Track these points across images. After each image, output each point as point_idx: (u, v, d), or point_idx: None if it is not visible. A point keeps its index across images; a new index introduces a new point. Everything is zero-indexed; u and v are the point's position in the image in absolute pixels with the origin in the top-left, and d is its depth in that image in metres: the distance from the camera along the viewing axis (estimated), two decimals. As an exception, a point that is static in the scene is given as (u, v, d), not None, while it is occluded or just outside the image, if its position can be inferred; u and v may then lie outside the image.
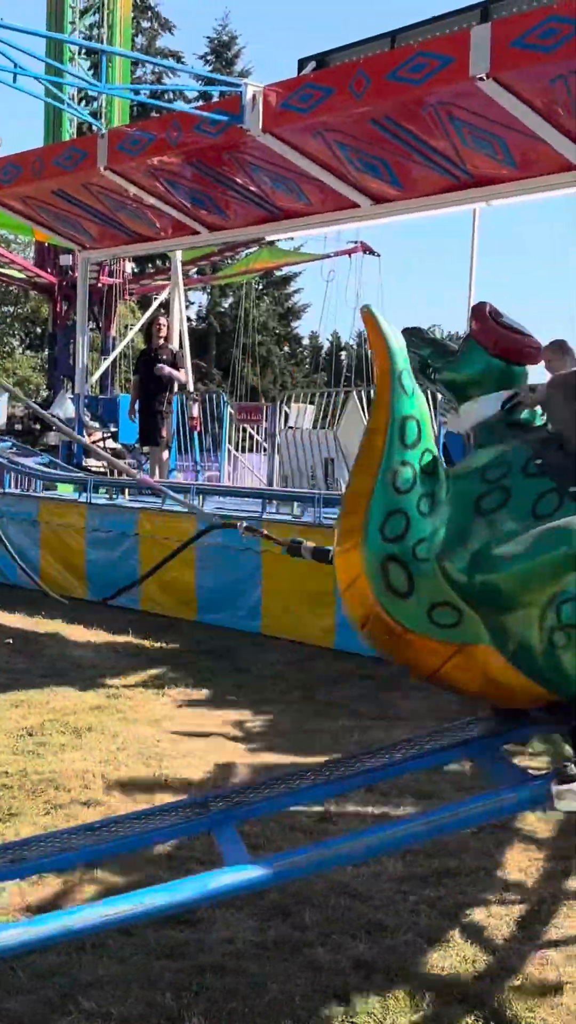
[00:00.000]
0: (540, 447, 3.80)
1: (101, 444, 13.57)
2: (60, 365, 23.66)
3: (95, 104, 27.06)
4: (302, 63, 11.93)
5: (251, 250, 23.99)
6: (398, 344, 3.44)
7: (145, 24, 45.44)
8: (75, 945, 3.56)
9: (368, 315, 3.32)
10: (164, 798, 4.90)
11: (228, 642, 8.45)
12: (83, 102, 30.70)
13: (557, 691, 2.89)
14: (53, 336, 24.33)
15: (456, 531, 3.29)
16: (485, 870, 4.23)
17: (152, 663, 7.67)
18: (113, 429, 15.23)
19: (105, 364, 17.78)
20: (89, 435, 13.29)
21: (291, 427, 13.94)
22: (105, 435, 13.54)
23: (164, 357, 12.27)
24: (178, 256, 12.96)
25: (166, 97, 33.09)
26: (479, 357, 8.09)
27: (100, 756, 5.50)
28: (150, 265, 32.83)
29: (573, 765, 2.75)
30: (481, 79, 7.53)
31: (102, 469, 13.23)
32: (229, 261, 27.99)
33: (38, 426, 23.84)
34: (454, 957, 3.54)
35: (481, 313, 8.82)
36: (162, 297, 15.57)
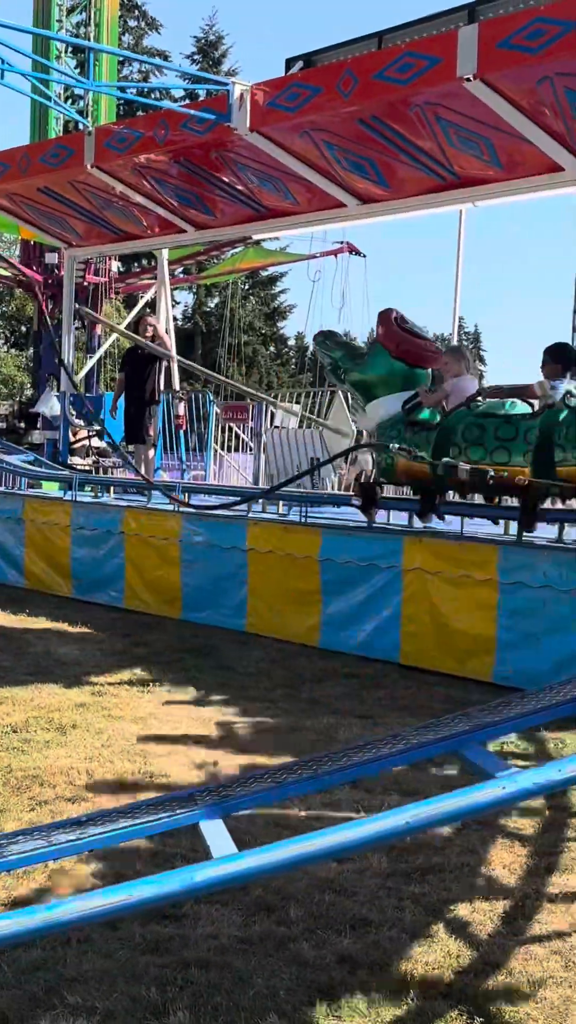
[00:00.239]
0: None
1: (86, 442, 13.56)
2: (45, 363, 23.60)
3: (81, 103, 27.03)
4: (289, 63, 11.96)
5: (237, 250, 24.01)
6: None
7: (132, 23, 45.45)
8: (60, 940, 3.56)
9: None
10: (149, 794, 4.90)
11: (213, 640, 8.46)
12: (69, 101, 30.68)
13: None
14: (38, 334, 24.27)
15: None
16: (469, 866, 4.24)
17: (137, 661, 7.67)
18: (98, 427, 15.21)
19: (91, 362, 17.75)
20: (74, 433, 13.27)
21: (277, 426, 13.98)
22: (90, 433, 13.52)
23: (150, 355, 12.27)
24: (164, 255, 12.95)
25: (153, 96, 33.02)
26: (383, 360, 8.43)
27: (85, 753, 5.50)
28: (135, 264, 32.80)
29: None
30: (468, 80, 7.54)
31: (87, 467, 13.22)
32: (214, 261, 27.99)
33: (23, 424, 23.82)
34: (438, 952, 3.55)
35: (386, 319, 9.54)
36: (148, 296, 15.54)
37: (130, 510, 9.87)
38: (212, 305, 47.64)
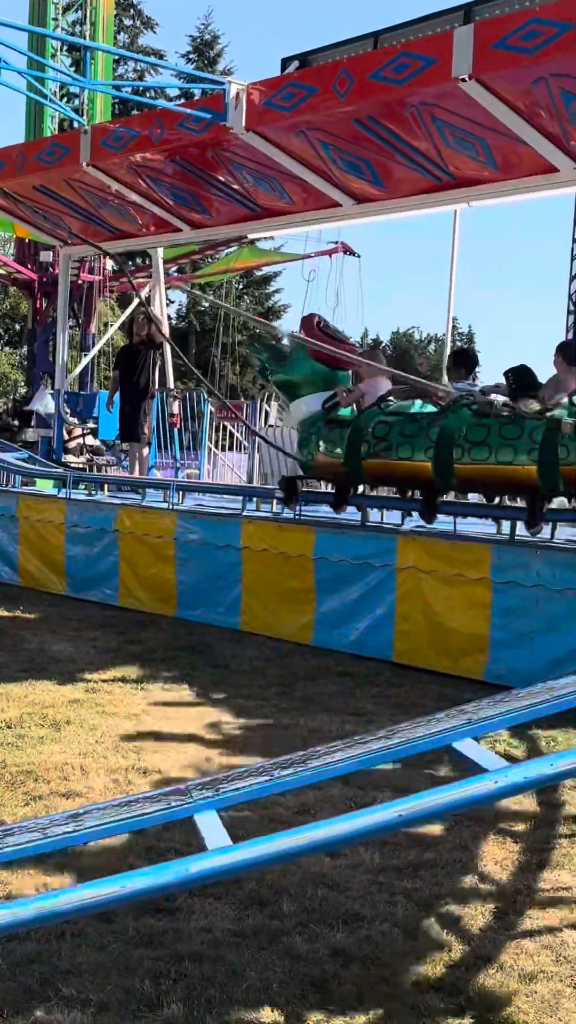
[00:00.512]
0: None
1: (80, 440, 13.59)
2: (39, 361, 23.63)
3: (76, 101, 27.04)
4: (285, 62, 12.00)
5: (231, 249, 24.02)
6: None
7: (127, 22, 45.42)
8: (54, 932, 3.58)
9: None
10: (143, 789, 4.93)
11: (207, 638, 8.48)
12: (65, 99, 30.66)
13: None
14: (32, 332, 24.28)
15: None
16: (461, 862, 4.27)
17: (131, 658, 7.68)
18: (92, 425, 15.23)
19: (85, 360, 17.76)
20: (69, 430, 13.29)
21: (271, 425, 14.01)
22: (84, 431, 13.54)
23: (144, 352, 12.29)
24: (159, 253, 12.96)
25: (149, 94, 33.00)
26: (305, 362, 8.90)
27: (79, 748, 5.52)
28: (130, 263, 32.80)
29: None
30: (463, 80, 7.57)
31: (81, 465, 13.25)
32: (209, 260, 28.00)
33: (16, 422, 23.83)
34: (430, 947, 3.58)
35: (308, 324, 10.16)
36: (143, 293, 15.56)
37: (124, 508, 9.88)
38: (206, 304, 47.63)
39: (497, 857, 4.32)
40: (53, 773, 5.11)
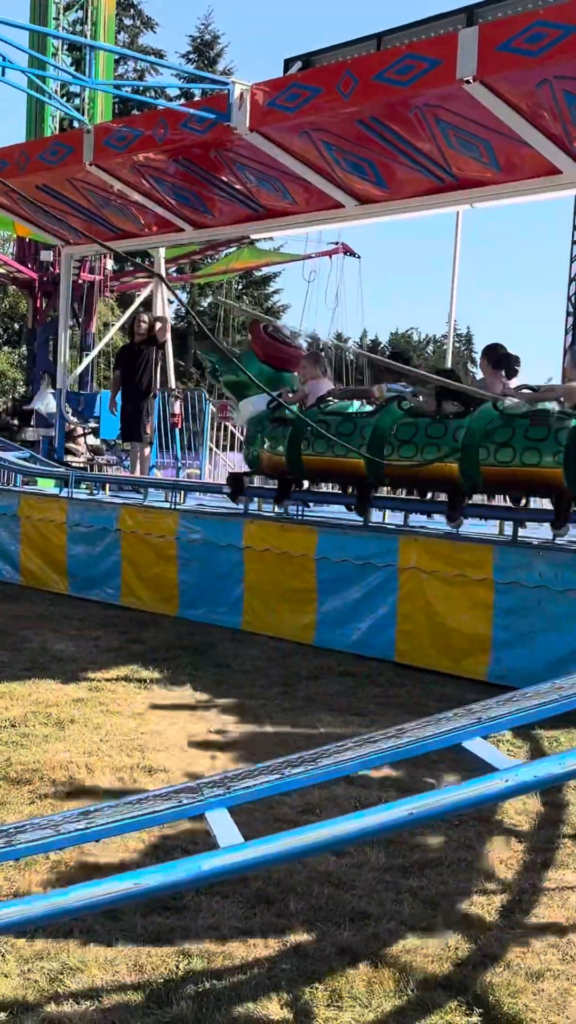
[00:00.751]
0: None
1: (83, 438, 13.61)
2: (39, 361, 23.64)
3: (77, 100, 27.06)
4: (288, 63, 12.01)
5: (231, 249, 24.06)
6: None
7: (127, 22, 45.42)
8: (62, 929, 3.60)
9: None
10: (148, 787, 4.94)
11: (209, 638, 8.49)
12: (65, 98, 30.67)
13: None
14: (32, 332, 24.29)
15: None
16: (466, 861, 4.29)
17: (133, 658, 7.69)
18: (93, 425, 15.26)
19: (87, 360, 17.77)
20: (70, 430, 13.30)
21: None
22: (85, 430, 13.55)
23: (145, 352, 12.30)
24: (161, 253, 12.97)
25: (150, 94, 32.97)
26: (252, 364, 9.25)
27: (84, 747, 5.53)
28: (128, 263, 32.82)
29: None
30: (467, 82, 7.59)
31: (82, 464, 13.26)
32: (208, 260, 28.02)
33: (16, 421, 23.83)
34: (436, 945, 3.59)
35: (255, 328, 9.83)
36: (144, 294, 15.58)
37: (126, 508, 9.90)
38: (205, 304, 47.63)
39: (502, 856, 4.33)
40: (58, 771, 5.13)
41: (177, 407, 13.57)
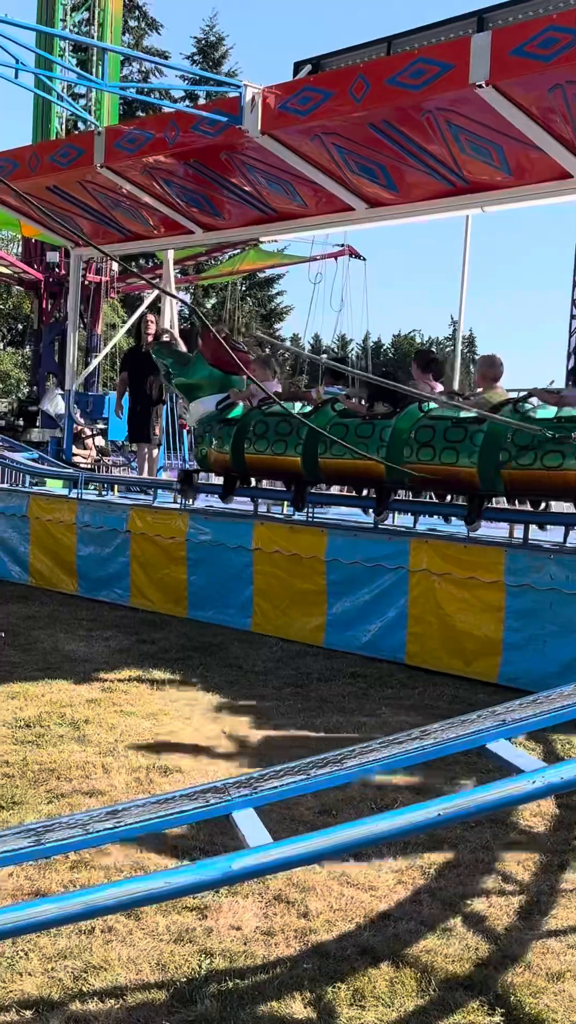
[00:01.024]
0: None
1: (90, 440, 13.63)
2: (45, 361, 23.64)
3: (83, 101, 27.09)
4: (298, 66, 12.01)
5: (236, 251, 24.07)
6: None
7: (132, 23, 45.47)
8: (84, 928, 3.63)
9: None
10: (165, 788, 4.97)
11: (218, 639, 8.51)
12: (70, 99, 30.67)
13: None
14: (38, 333, 24.28)
15: None
16: (483, 863, 4.31)
17: (144, 658, 7.72)
18: (101, 426, 15.27)
19: (95, 362, 17.78)
20: (78, 431, 13.33)
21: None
22: (94, 431, 13.57)
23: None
24: (170, 255, 12.98)
25: (154, 95, 33.00)
26: (203, 367, 9.86)
27: (99, 748, 5.56)
28: (132, 264, 32.82)
29: None
30: (480, 86, 7.61)
31: (89, 465, 13.28)
32: (213, 262, 28.04)
33: (21, 422, 23.85)
34: (457, 945, 3.62)
35: (205, 334, 10.11)
36: (151, 297, 15.60)
37: (136, 509, 9.91)
38: (209, 305, 47.69)
39: (519, 858, 4.36)
40: (75, 771, 5.15)
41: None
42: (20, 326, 43.35)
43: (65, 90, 24.85)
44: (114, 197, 11.15)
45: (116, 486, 11.62)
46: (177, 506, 9.93)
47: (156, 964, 3.45)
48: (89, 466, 13.13)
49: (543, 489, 7.52)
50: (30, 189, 11.39)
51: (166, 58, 42.95)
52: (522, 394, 7.86)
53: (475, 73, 7.62)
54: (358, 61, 10.82)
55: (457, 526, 8.68)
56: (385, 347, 71.47)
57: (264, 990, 3.31)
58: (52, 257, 23.13)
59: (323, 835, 2.64)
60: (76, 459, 13.09)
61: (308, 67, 11.63)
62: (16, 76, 8.59)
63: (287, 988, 3.32)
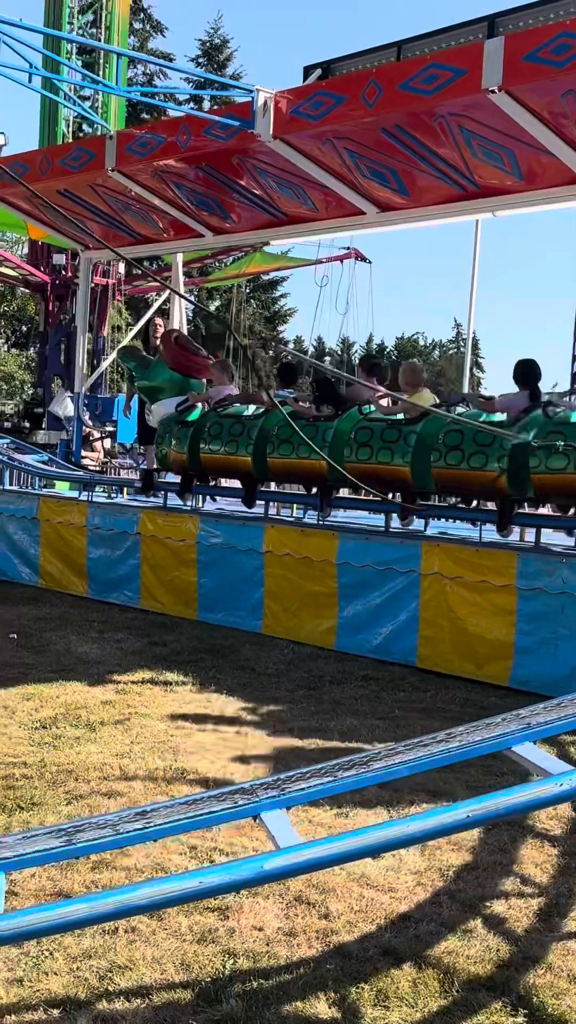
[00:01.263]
0: None
1: (99, 443, 13.65)
2: (51, 364, 23.72)
3: (89, 104, 27.14)
4: (307, 70, 12.03)
5: (241, 254, 24.13)
6: None
7: (137, 25, 45.51)
8: (108, 928, 3.65)
9: None
10: (183, 789, 5.00)
11: (229, 641, 8.54)
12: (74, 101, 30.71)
13: None
14: (44, 335, 24.36)
15: None
16: (501, 865, 4.33)
17: (157, 660, 7.75)
18: (110, 428, 15.30)
19: (105, 364, 17.80)
20: (86, 433, 13.36)
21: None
22: (103, 433, 13.60)
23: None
24: (179, 258, 13.02)
25: (160, 97, 33.04)
26: (163, 371, 10.41)
27: (115, 749, 5.59)
28: (141, 267, 32.81)
29: None
30: (493, 92, 7.64)
31: (97, 468, 13.31)
32: (218, 264, 28.10)
33: (27, 424, 23.90)
34: (478, 946, 3.64)
35: (166, 339, 10.79)
36: (160, 301, 15.64)
37: (146, 511, 9.95)
38: (213, 308, 47.74)
39: (536, 860, 4.38)
40: (93, 773, 5.18)
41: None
42: (24, 328, 43.38)
43: (74, 91, 24.94)
44: (124, 200, 11.18)
45: (125, 488, 11.63)
46: (188, 509, 9.96)
47: (180, 964, 3.47)
48: (97, 468, 13.15)
49: (469, 487, 7.98)
50: (41, 192, 11.43)
51: (171, 60, 42.99)
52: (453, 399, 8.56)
53: (488, 78, 7.66)
54: (368, 65, 10.83)
55: (467, 529, 8.72)
56: (388, 349, 71.48)
57: (288, 990, 3.34)
58: (58, 259, 23.23)
59: (354, 836, 2.67)
60: (84, 461, 13.12)
61: (318, 71, 11.66)
62: (30, 80, 8.63)
63: (311, 988, 3.34)
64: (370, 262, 23.51)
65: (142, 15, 45.85)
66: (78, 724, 6.01)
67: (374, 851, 2.66)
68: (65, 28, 23.25)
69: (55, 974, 3.39)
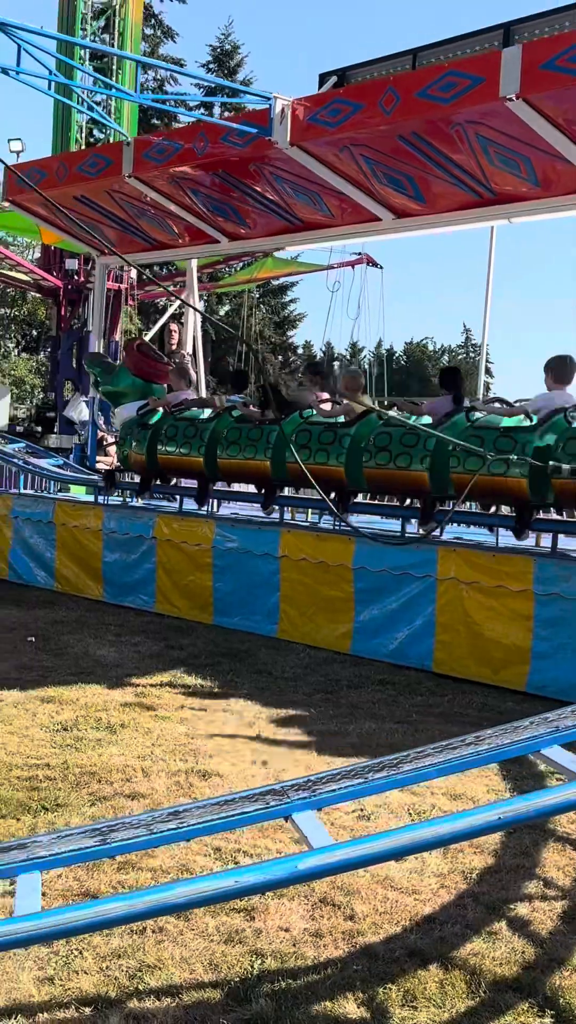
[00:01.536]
0: None
1: (112, 448, 13.68)
2: (63, 368, 23.77)
3: (100, 108, 27.20)
4: (323, 77, 12.08)
5: (251, 259, 24.19)
6: None
7: (148, 31, 45.65)
8: (136, 928, 3.69)
9: None
10: (205, 791, 5.04)
11: (245, 645, 8.58)
12: (87, 106, 30.81)
13: None
14: (56, 339, 24.43)
15: None
16: (524, 868, 4.36)
17: (174, 664, 7.79)
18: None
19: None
20: (100, 438, 13.40)
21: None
22: (117, 439, 13.62)
23: (175, 361, 12.43)
24: (194, 264, 13.08)
25: (170, 103, 33.10)
26: (126, 376, 10.94)
27: (137, 751, 5.63)
28: (148, 271, 32.93)
29: None
30: (511, 99, 7.68)
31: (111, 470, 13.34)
32: (227, 270, 28.16)
33: (39, 428, 23.97)
34: (503, 948, 3.67)
35: (129, 347, 11.36)
36: (176, 304, 15.70)
37: (162, 516, 10.00)
38: (222, 313, 47.81)
39: (559, 863, 4.41)
40: (115, 775, 5.22)
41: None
42: (35, 332, 43.51)
43: (88, 96, 25.02)
44: (140, 206, 11.23)
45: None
46: (204, 513, 10.01)
47: (209, 964, 3.51)
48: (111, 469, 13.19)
49: (396, 486, 8.65)
50: (57, 198, 11.49)
51: (182, 66, 43.12)
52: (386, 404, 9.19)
53: (506, 86, 7.69)
54: (383, 73, 10.88)
55: (483, 535, 8.75)
56: (397, 354, 71.46)
57: (317, 990, 3.37)
58: (71, 264, 23.28)
59: (386, 837, 2.71)
60: (99, 465, 13.16)
61: (333, 79, 11.71)
62: (50, 87, 8.70)
63: (339, 988, 3.38)
64: (381, 267, 23.54)
65: (153, 21, 45.99)
66: (99, 726, 6.06)
67: (406, 852, 2.70)
68: (78, 34, 23.34)
69: (85, 973, 3.43)
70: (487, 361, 66.77)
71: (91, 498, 11.47)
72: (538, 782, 5.41)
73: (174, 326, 13.21)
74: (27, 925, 2.57)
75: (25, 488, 12.89)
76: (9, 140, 20.30)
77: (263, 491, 9.71)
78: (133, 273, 22.95)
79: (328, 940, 3.71)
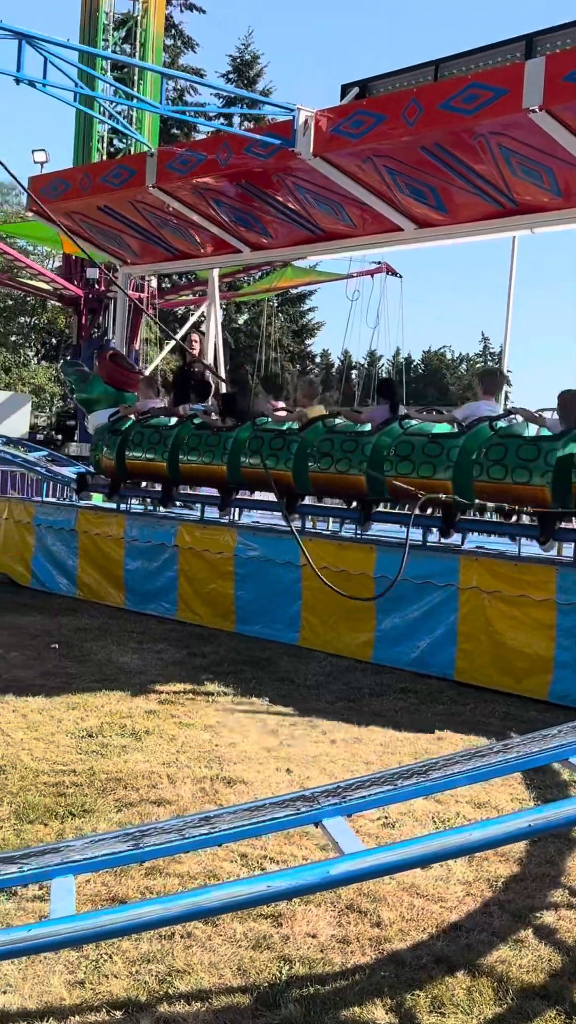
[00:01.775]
0: None
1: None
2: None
3: (121, 119, 27.35)
4: (345, 89, 12.14)
5: (271, 268, 24.25)
6: None
7: (168, 42, 45.87)
8: (164, 934, 3.72)
9: None
10: (230, 798, 5.07)
11: (267, 653, 8.61)
12: (108, 116, 30.95)
13: None
14: (77, 348, 24.54)
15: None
16: (549, 876, 4.37)
17: (197, 671, 7.83)
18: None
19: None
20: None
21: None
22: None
23: (197, 370, 12.50)
24: (215, 273, 13.15)
25: (189, 114, 33.27)
26: (99, 385, 11.39)
27: (161, 758, 5.66)
28: (167, 280, 33.06)
29: None
30: (534, 111, 7.73)
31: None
32: (246, 279, 28.24)
33: (59, 436, 24.09)
34: (530, 956, 3.68)
35: (101, 356, 11.80)
36: (198, 314, 15.78)
37: (184, 524, 10.05)
38: (241, 321, 47.94)
39: (584, 872, 4.42)
40: (141, 781, 5.25)
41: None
42: (54, 340, 43.71)
43: (109, 106, 25.17)
44: (163, 216, 11.32)
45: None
46: (225, 522, 10.05)
47: (237, 969, 3.53)
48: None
49: (336, 489, 9.31)
50: (81, 209, 11.60)
51: (202, 76, 43.29)
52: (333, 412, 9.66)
53: (529, 98, 7.75)
54: (405, 84, 10.94)
55: (505, 544, 8.77)
56: (415, 363, 71.40)
57: (345, 996, 3.39)
58: (92, 273, 23.40)
59: (417, 843, 2.73)
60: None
61: (355, 90, 11.76)
62: (75, 99, 8.79)
63: (368, 994, 3.40)
64: (401, 276, 23.56)
65: (173, 31, 46.22)
66: (123, 733, 6.09)
67: (436, 859, 2.72)
68: (99, 44, 23.48)
69: (115, 977, 3.46)
70: (507, 370, 66.73)
71: (113, 506, 11.53)
72: (562, 791, 5.42)
73: (195, 335, 13.24)
74: (62, 928, 2.60)
75: (48, 496, 12.96)
76: (33, 151, 20.47)
77: (220, 494, 10.35)
78: (154, 283, 23.05)
79: (355, 946, 3.73)
